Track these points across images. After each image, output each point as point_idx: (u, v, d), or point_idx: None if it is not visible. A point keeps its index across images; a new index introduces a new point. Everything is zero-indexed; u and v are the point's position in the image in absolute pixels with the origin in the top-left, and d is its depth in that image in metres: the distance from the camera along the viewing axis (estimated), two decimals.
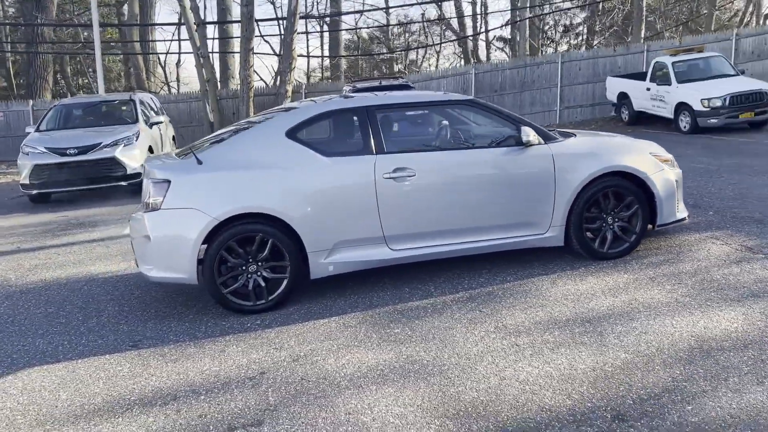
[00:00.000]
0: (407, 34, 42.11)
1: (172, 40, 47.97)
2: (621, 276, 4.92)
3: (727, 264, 5.02)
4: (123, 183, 11.21)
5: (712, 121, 13.97)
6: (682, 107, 14.81)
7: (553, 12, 26.93)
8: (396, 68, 39.62)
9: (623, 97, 17.61)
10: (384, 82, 12.79)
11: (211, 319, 4.69)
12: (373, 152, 4.87)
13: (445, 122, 5.48)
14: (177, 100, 20.22)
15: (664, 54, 16.57)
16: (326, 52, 32.57)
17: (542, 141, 5.14)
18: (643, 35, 23.20)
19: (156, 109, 14.09)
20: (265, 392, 3.49)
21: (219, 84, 19.69)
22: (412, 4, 33.84)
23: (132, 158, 11.24)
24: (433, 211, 4.95)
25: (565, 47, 32.54)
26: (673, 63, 15.52)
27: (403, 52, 38.84)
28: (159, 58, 34.86)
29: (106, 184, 11.15)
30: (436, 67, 38.57)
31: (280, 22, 26.27)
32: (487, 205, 5.04)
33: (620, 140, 5.70)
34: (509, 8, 34.20)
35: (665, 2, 26.48)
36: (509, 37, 35.90)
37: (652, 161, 5.36)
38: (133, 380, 3.78)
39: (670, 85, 15.31)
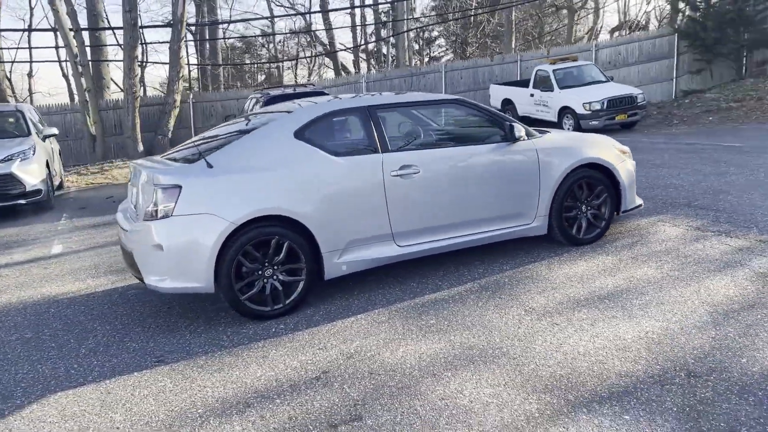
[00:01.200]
0: (271, 45, 41.90)
1: (19, 48, 44.00)
2: (605, 258, 5.37)
3: (689, 242, 5.64)
4: (22, 201, 10.24)
5: (594, 122, 15.33)
6: (565, 111, 16.11)
7: (427, 26, 28.08)
8: (260, 78, 39.39)
9: (507, 103, 18.78)
10: (298, 90, 12.81)
11: (228, 328, 4.51)
12: (380, 151, 4.95)
13: (441, 120, 5.67)
14: (50, 112, 18.67)
15: (544, 63, 17.92)
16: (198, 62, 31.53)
17: (526, 137, 5.49)
18: (514, 46, 24.86)
19: (39, 122, 13.00)
20: (342, 389, 3.46)
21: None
22: (269, 17, 33.71)
23: (30, 174, 10.32)
24: (436, 207, 5.11)
25: (429, 58, 33.96)
26: (554, 71, 16.84)
27: (269, 63, 38.48)
28: (5, 68, 31.89)
29: (2, 202, 10.12)
30: (300, 76, 38.68)
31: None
32: (484, 198, 5.29)
33: (588, 135, 6.19)
34: (374, 22, 35.22)
35: (532, 16, 28.61)
36: (375, 49, 36.87)
37: (616, 153, 5.90)
38: (187, 394, 3.57)
39: (552, 91, 16.59)
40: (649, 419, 2.93)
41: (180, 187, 4.38)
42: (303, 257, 4.64)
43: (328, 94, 12.93)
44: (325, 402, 3.34)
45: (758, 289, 4.38)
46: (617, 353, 3.61)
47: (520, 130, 5.35)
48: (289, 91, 12.65)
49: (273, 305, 4.60)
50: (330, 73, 39.70)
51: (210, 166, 4.50)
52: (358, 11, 34.69)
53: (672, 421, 2.90)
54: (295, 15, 37.00)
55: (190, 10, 29.57)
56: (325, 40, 36.47)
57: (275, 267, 4.58)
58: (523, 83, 18.59)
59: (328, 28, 35.44)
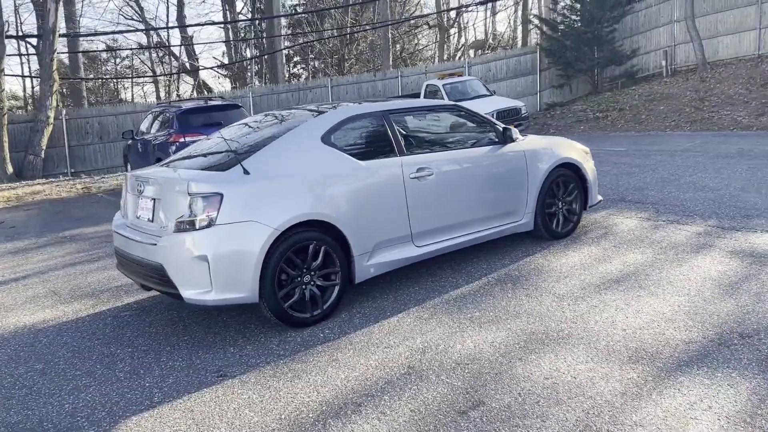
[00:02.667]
0: (125, 60, 39.88)
1: None
2: (590, 249, 5.87)
3: (651, 231, 6.32)
4: None
5: None
6: None
7: (302, 44, 28.19)
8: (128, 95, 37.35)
9: None
10: (211, 103, 12.45)
11: (269, 338, 4.39)
12: (398, 154, 5.08)
13: (441, 124, 5.87)
14: None
15: (432, 78, 18.78)
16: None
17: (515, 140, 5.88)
18: (392, 62, 25.72)
19: None
20: (441, 380, 3.54)
21: None
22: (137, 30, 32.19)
23: None
24: (446, 207, 5.32)
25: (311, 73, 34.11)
26: (443, 85, 17.71)
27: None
28: None
29: None
30: (149, 92, 37.18)
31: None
32: (485, 198, 5.58)
33: (556, 138, 6.70)
34: (223, 40, 34.71)
35: (405, 33, 29.71)
36: (248, 65, 36.27)
37: (582, 154, 6.47)
38: (282, 402, 3.47)
39: None
40: (739, 373, 3.34)
41: (221, 194, 4.22)
42: (338, 261, 4.63)
43: (242, 107, 12.70)
44: (436, 393, 3.41)
45: (741, 264, 5.06)
46: (667, 324, 4.03)
47: (517, 133, 5.73)
48: (200, 103, 12.25)
49: (312, 312, 4.55)
50: (185, 88, 38.56)
51: (247, 172, 4.37)
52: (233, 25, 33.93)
53: (758, 372, 3.33)
54: (163, 29, 35.49)
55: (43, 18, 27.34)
56: (184, 56, 35.40)
57: (312, 273, 4.54)
58: (411, 97, 19.33)
59: (188, 44, 34.43)
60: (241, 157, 4.51)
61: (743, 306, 4.23)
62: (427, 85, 18.32)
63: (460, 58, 29.07)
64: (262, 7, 32.02)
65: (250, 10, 33.64)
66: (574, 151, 6.37)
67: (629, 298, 4.54)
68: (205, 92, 31.99)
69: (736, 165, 9.77)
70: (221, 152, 4.89)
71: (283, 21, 27.69)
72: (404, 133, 5.31)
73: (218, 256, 4.17)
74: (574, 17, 23.38)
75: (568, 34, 23.14)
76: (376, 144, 5.10)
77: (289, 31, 27.36)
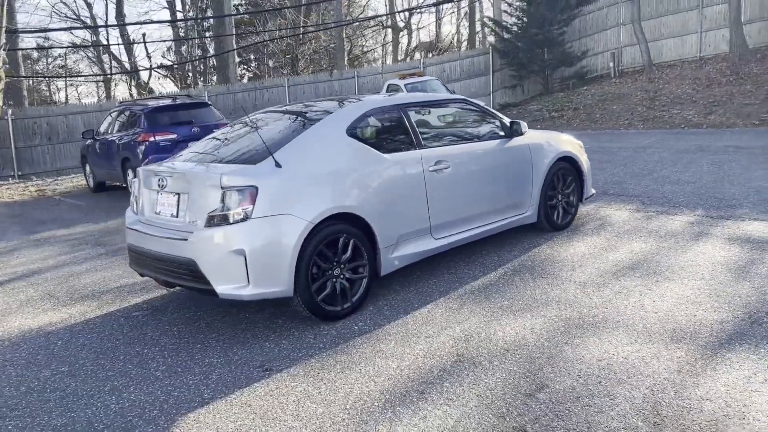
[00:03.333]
0: (58, 60, 38.47)
1: None
2: (594, 239, 6.05)
3: (645, 221, 6.56)
4: None
5: None
6: None
7: (256, 43, 27.83)
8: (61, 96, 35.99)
9: None
10: (179, 101, 12.23)
11: (305, 331, 4.34)
12: (416, 147, 5.10)
13: (451, 118, 5.92)
14: None
15: (394, 77, 18.88)
16: None
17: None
18: (347, 62, 25.69)
19: None
20: (495, 365, 3.59)
21: None
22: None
23: None
24: (462, 200, 5.38)
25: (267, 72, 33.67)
26: (405, 84, 17.83)
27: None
28: None
29: None
30: (85, 94, 36.08)
31: None
32: (497, 190, 5.68)
33: (554, 132, 6.86)
34: (173, 39, 33.97)
35: (359, 34, 29.74)
36: (171, 63, 35.39)
37: (578, 147, 6.65)
38: (341, 393, 3.44)
39: None
40: None
41: (256, 187, 4.14)
42: (365, 254, 4.63)
43: (210, 105, 12.45)
44: (496, 378, 3.46)
45: (742, 250, 5.32)
46: (695, 306, 4.21)
47: (525, 127, 5.84)
48: (167, 102, 11.94)
49: (342, 305, 4.52)
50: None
51: (278, 165, 4.31)
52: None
53: None
54: (114, 26, 34.29)
55: None
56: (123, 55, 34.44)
57: (342, 266, 4.51)
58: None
59: (128, 43, 33.49)
60: (270, 150, 4.44)
61: (760, 287, 4.45)
62: (388, 85, 18.40)
63: (412, 58, 29.32)
64: (204, 6, 31.48)
65: (196, 8, 32.98)
66: (570, 144, 6.55)
67: (649, 284, 4.71)
68: (146, 93, 31.14)
69: (700, 160, 10.24)
70: (244, 146, 4.81)
71: (233, 20, 27.24)
72: (421, 126, 5.35)
73: (255, 249, 4.10)
74: (525, 20, 23.93)
75: (520, 36, 23.68)
76: (397, 137, 5.12)
77: (240, 30, 26.94)
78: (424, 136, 5.28)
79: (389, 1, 28.76)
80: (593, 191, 6.92)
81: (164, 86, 39.00)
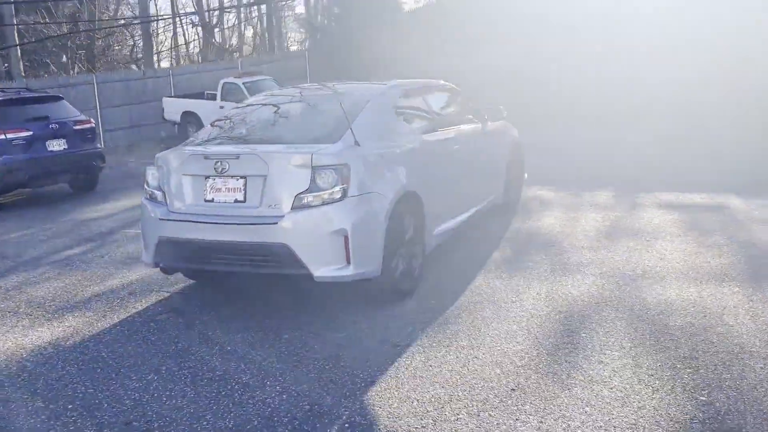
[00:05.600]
0: None
1: None
2: (550, 214, 6.76)
3: (575, 198, 7.47)
4: None
5: None
6: None
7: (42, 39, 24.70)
8: None
9: (189, 115, 18.46)
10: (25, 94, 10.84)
11: (385, 311, 4.31)
12: (436, 129, 5.30)
13: (451, 102, 6.10)
14: None
15: (232, 77, 18.28)
16: None
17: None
18: (156, 60, 24.08)
19: None
20: (618, 326, 4.01)
21: None
22: None
23: None
24: (469, 179, 5.68)
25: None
26: (243, 83, 17.42)
27: None
28: None
29: None
30: None
31: None
32: (489, 171, 6.12)
33: (503, 121, 7.33)
34: None
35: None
36: None
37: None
38: (494, 355, 3.59)
39: None
40: None
41: (348, 165, 4.04)
42: (420, 233, 4.73)
43: (63, 98, 11.06)
44: (620, 320, 3.88)
45: (680, 214, 6.41)
46: (699, 256, 5.05)
47: (502, 111, 6.33)
48: (14, 96, 10.34)
49: (408, 283, 4.58)
50: None
51: (358, 143, 4.24)
52: None
53: None
54: None
55: None
56: None
57: (406, 244, 4.57)
58: (202, 95, 18.58)
59: None
60: (339, 130, 4.33)
61: (732, 236, 5.48)
62: (224, 83, 17.80)
63: (222, 59, 28.40)
64: None
65: None
66: (515, 131, 7.21)
67: (642, 243, 5.49)
68: None
69: (552, 152, 11.70)
70: (303, 125, 4.60)
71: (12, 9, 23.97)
72: (435, 109, 5.55)
73: (356, 228, 4.01)
74: (337, 23, 24.67)
75: (334, 37, 24.35)
76: (422, 119, 5.27)
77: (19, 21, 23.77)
78: (439, 118, 5.50)
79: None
80: (526, 175, 7.67)
81: None
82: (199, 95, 19.02)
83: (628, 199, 7.23)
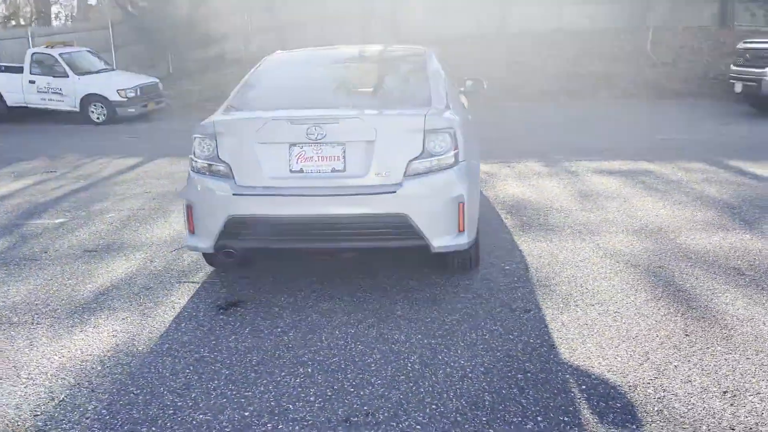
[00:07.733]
0: None
1: None
2: (518, 184, 7.10)
3: (568, 166, 7.81)
4: None
5: (131, 110, 14.79)
6: (92, 99, 14.87)
7: None
8: None
9: None
10: None
11: (469, 280, 4.25)
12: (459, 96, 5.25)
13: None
14: None
15: (43, 47, 15.79)
16: None
17: None
18: None
19: None
20: (630, 263, 4.41)
21: None
22: None
23: None
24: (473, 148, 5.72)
25: None
26: (60, 54, 15.22)
27: None
28: None
29: None
30: None
31: None
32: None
33: None
34: None
35: None
36: None
37: None
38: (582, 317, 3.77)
39: (68, 77, 14.98)
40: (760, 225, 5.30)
41: (454, 130, 3.86)
42: None
43: None
44: (648, 289, 4.28)
45: (624, 178, 7.07)
46: (681, 210, 5.70)
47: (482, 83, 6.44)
48: None
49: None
50: None
51: (449, 107, 4.06)
52: None
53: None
54: None
55: None
56: None
57: None
58: (13, 69, 15.70)
59: None
60: (421, 93, 4.11)
61: (697, 193, 6.26)
62: (33, 54, 15.38)
63: (5, 27, 24.26)
64: None
65: None
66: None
67: (622, 203, 6.01)
68: None
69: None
70: (379, 87, 4.24)
71: None
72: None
73: (470, 195, 3.87)
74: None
75: (149, 13, 22.31)
76: (453, 86, 5.17)
77: None
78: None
79: None
80: None
81: None
82: (10, 68, 15.98)
83: (567, 165, 7.73)
